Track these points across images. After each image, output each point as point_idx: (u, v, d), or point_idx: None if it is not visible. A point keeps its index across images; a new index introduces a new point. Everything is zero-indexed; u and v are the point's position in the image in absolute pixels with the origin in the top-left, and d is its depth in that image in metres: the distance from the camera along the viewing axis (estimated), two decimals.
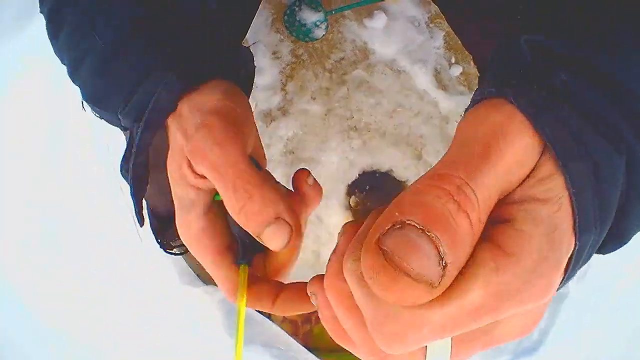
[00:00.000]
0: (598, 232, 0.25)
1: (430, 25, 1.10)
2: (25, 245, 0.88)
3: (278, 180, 0.39)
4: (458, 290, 0.23)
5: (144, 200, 0.42)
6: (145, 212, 0.42)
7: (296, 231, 0.34)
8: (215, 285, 0.93)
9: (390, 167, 1.05)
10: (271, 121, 1.07)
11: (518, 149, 0.24)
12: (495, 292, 0.23)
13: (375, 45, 1.08)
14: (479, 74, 0.47)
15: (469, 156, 0.24)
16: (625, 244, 0.29)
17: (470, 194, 0.23)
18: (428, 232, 0.22)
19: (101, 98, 0.37)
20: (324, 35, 1.09)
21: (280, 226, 0.34)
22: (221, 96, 0.35)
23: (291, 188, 0.41)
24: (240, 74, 0.39)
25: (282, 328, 0.95)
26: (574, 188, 0.24)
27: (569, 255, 0.25)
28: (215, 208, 0.37)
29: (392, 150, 1.05)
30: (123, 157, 0.38)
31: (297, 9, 1.10)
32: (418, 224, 0.23)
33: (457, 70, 1.08)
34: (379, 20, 1.09)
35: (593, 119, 0.25)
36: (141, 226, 0.41)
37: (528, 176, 0.25)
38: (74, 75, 0.38)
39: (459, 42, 1.11)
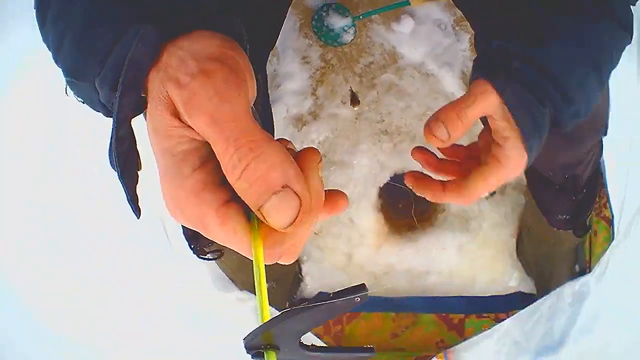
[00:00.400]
0: (538, 138, 0.46)
1: (456, 28, 1.12)
2: (25, 245, 0.89)
3: None
4: (489, 171, 0.48)
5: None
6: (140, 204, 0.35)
7: (304, 208, 0.28)
8: (250, 291, 0.95)
9: (421, 168, 1.07)
10: (302, 125, 1.09)
11: (489, 101, 0.45)
12: (497, 176, 0.48)
13: (404, 49, 1.10)
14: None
15: (465, 99, 0.45)
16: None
17: (464, 118, 0.46)
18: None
19: (78, 67, 0.34)
20: (352, 40, 1.11)
21: (288, 197, 0.28)
22: (220, 42, 0.31)
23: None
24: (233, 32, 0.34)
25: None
26: (516, 120, 0.44)
27: (525, 152, 0.46)
28: (214, 160, 0.31)
29: None
30: (110, 143, 0.33)
31: (324, 14, 1.12)
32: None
33: None
34: (407, 24, 1.11)
35: (530, 87, 0.44)
36: (138, 218, 0.34)
37: (493, 117, 0.46)
38: (57, 55, 0.35)
39: None
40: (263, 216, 0.28)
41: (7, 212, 0.90)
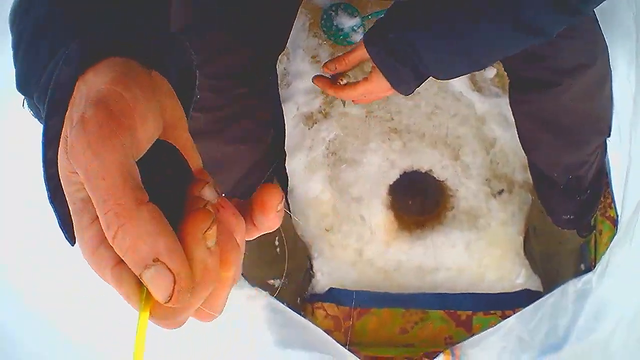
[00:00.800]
0: (395, 74, 0.65)
1: None
2: (27, 243, 0.90)
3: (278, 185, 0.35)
4: (362, 82, 0.69)
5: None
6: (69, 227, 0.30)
7: (180, 283, 0.25)
8: (261, 287, 0.96)
9: (430, 166, 1.09)
10: (313, 124, 1.10)
11: (364, 53, 0.67)
12: (364, 87, 0.70)
13: None
14: None
15: (350, 52, 0.69)
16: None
17: (347, 59, 0.72)
18: None
19: (22, 78, 0.33)
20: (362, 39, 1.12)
21: (159, 272, 0.24)
22: (110, 79, 0.27)
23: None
24: (165, 60, 0.31)
25: (319, 327, 0.97)
26: (379, 68, 0.65)
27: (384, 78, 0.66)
28: None
29: (431, 151, 1.08)
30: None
31: (333, 14, 1.13)
32: None
33: (491, 73, 1.12)
34: None
35: (396, 54, 0.62)
36: (72, 245, 0.30)
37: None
38: (15, 64, 0.34)
39: None
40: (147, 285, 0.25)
41: (8, 211, 0.90)
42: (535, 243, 1.06)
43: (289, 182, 0.92)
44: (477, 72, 1.12)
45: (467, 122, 1.10)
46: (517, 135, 1.12)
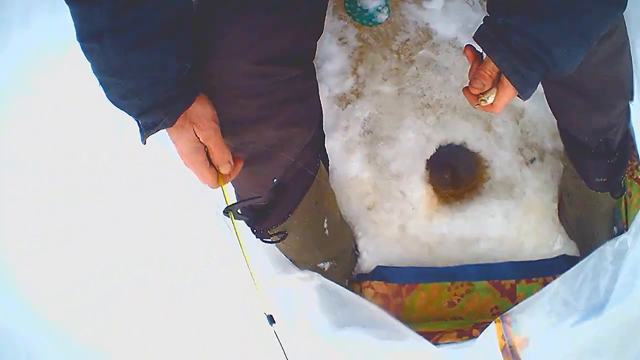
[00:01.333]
0: (526, 82, 0.61)
1: (483, 3, 1.16)
2: (28, 241, 0.88)
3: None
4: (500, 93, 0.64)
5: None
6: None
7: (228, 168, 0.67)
8: (312, 269, 0.95)
9: (464, 139, 1.10)
10: (347, 104, 1.10)
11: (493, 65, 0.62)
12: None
13: (437, 25, 1.13)
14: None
15: (485, 65, 0.63)
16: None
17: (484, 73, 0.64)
18: None
19: (123, 68, 0.57)
20: (387, 18, 1.13)
21: (227, 165, 0.66)
22: (211, 107, 0.64)
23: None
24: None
25: (373, 302, 0.97)
26: (509, 80, 0.61)
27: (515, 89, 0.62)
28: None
29: (464, 123, 1.10)
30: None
31: None
32: None
33: None
34: (437, 2, 1.14)
35: (525, 59, 0.58)
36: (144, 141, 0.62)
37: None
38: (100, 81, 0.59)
39: None
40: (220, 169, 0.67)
41: (9, 209, 0.89)
42: (569, 209, 1.09)
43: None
44: None
45: None
46: (543, 105, 1.15)
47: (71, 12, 0.54)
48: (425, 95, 1.11)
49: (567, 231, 1.12)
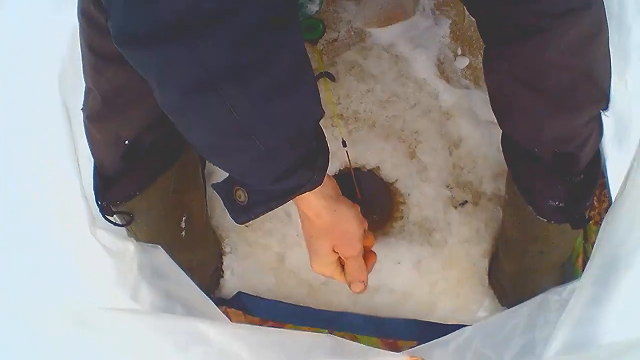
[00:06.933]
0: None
1: (436, 12, 0.98)
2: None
3: None
4: None
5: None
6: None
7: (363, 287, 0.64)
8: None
9: (378, 163, 0.90)
10: None
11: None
12: None
13: (374, 27, 0.96)
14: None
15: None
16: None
17: None
18: None
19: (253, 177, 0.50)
20: (317, 11, 0.97)
21: (356, 284, 0.63)
22: (335, 188, 0.58)
23: None
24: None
25: None
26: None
27: None
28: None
29: (382, 144, 0.90)
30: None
31: None
32: None
33: (463, 63, 0.95)
34: None
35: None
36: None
37: None
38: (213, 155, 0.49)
39: (467, 33, 0.98)
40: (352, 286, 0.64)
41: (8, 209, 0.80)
42: (505, 263, 0.86)
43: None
44: (445, 61, 0.95)
45: (429, 114, 0.92)
46: (488, 136, 0.93)
47: (164, 55, 0.39)
48: (340, 103, 0.92)
49: (499, 294, 0.89)
